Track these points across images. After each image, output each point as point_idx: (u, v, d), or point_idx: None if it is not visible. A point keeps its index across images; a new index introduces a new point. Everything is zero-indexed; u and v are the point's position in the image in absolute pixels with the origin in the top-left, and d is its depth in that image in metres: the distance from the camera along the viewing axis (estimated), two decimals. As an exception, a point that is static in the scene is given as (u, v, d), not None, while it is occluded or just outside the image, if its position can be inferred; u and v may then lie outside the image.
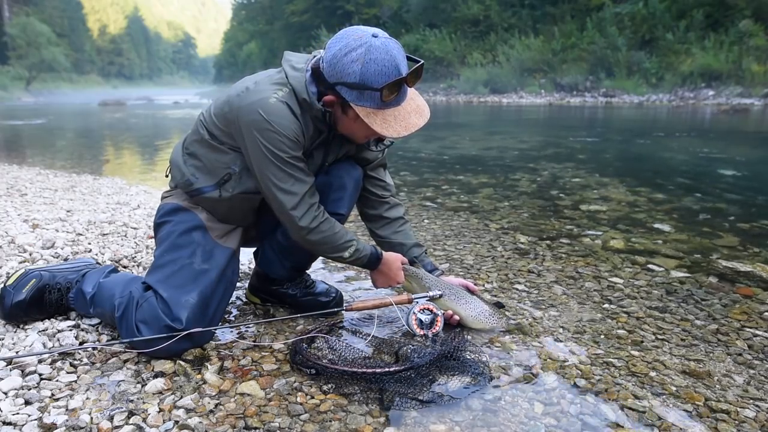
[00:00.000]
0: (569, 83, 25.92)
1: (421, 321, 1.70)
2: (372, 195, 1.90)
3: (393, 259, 1.80)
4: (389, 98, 1.41)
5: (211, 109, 1.63)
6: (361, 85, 1.39)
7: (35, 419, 1.25)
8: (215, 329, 1.63)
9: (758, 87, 19.48)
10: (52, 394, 1.35)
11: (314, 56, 1.55)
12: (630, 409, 1.35)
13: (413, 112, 1.47)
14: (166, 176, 1.78)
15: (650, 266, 2.49)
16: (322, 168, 1.70)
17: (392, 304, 1.72)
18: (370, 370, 1.41)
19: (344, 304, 1.85)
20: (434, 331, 1.70)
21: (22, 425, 1.23)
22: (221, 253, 1.64)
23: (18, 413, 1.26)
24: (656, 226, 3.26)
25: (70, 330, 1.67)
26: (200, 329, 1.52)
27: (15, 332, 1.64)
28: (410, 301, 1.74)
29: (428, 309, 1.73)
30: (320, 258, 2.25)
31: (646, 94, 22.60)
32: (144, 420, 1.26)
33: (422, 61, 1.45)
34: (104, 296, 1.65)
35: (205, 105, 1.73)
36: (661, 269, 2.45)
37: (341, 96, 1.44)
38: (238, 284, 2.09)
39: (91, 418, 1.26)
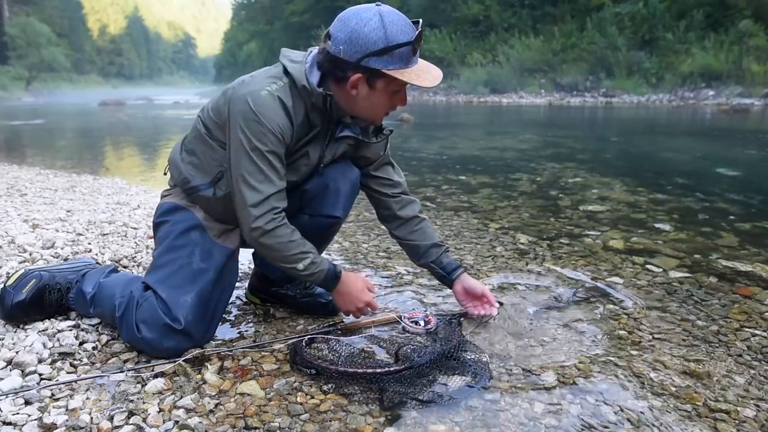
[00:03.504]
0: (569, 83, 25.90)
1: (416, 323, 1.75)
2: (381, 195, 1.85)
3: (354, 279, 1.69)
4: (417, 50, 1.46)
5: (209, 104, 1.64)
6: (391, 47, 1.41)
7: (35, 419, 1.25)
8: (221, 351, 1.63)
9: (758, 87, 19.47)
10: (52, 394, 1.35)
11: (310, 51, 1.56)
12: (630, 409, 1.35)
13: (430, 67, 1.52)
14: (165, 174, 1.78)
15: (650, 266, 2.49)
16: (318, 167, 1.68)
17: (382, 323, 1.79)
18: (370, 370, 1.42)
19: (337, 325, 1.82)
20: (431, 325, 1.74)
21: (22, 425, 1.23)
22: (220, 253, 1.63)
23: (18, 413, 1.26)
24: (656, 226, 3.26)
25: (70, 330, 1.67)
26: (210, 350, 1.52)
27: (15, 332, 1.64)
28: (398, 317, 1.79)
29: (415, 316, 1.78)
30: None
31: (646, 94, 22.58)
32: (144, 420, 1.26)
33: (420, 20, 1.49)
34: (104, 296, 1.65)
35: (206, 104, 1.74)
36: (661, 269, 2.45)
37: (370, 69, 1.44)
38: (238, 284, 2.09)
39: (91, 418, 1.26)
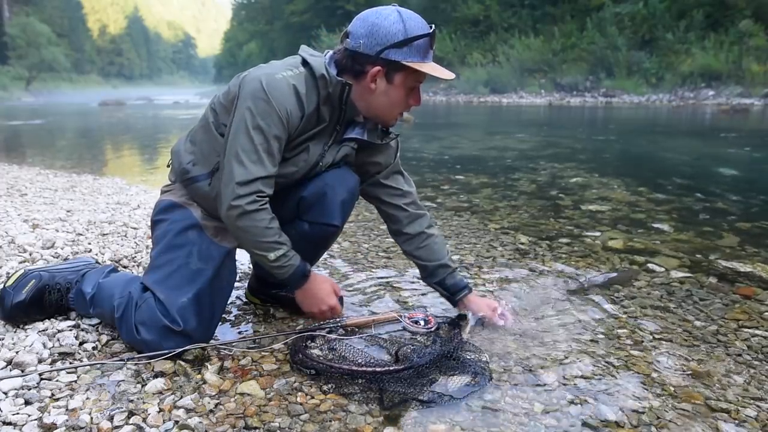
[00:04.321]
0: (569, 83, 25.89)
1: (416, 323, 1.75)
2: (391, 207, 1.84)
3: (322, 280, 1.66)
4: (433, 46, 1.51)
5: (222, 90, 1.64)
6: (410, 39, 1.46)
7: (35, 419, 1.25)
8: (224, 344, 1.63)
9: (758, 87, 19.45)
10: (52, 394, 1.35)
11: (327, 53, 1.59)
12: (630, 409, 1.35)
13: (439, 66, 1.57)
14: (168, 166, 1.77)
15: (650, 266, 2.49)
16: (316, 166, 1.65)
17: (382, 322, 1.79)
18: (370, 369, 1.42)
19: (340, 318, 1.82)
20: (431, 326, 1.74)
21: (22, 425, 1.22)
22: (218, 252, 1.61)
23: (18, 413, 1.26)
24: (656, 226, 3.26)
25: (70, 330, 1.67)
26: (214, 343, 1.52)
27: (15, 332, 1.64)
28: (399, 316, 1.79)
29: (415, 316, 1.78)
30: (318, 262, 2.24)
31: (646, 94, 22.57)
32: (144, 420, 1.26)
33: (432, 25, 1.54)
34: (104, 297, 1.65)
35: (206, 103, 1.74)
36: (661, 269, 2.45)
37: (389, 61, 1.48)
38: (238, 284, 2.09)
39: (91, 418, 1.26)
